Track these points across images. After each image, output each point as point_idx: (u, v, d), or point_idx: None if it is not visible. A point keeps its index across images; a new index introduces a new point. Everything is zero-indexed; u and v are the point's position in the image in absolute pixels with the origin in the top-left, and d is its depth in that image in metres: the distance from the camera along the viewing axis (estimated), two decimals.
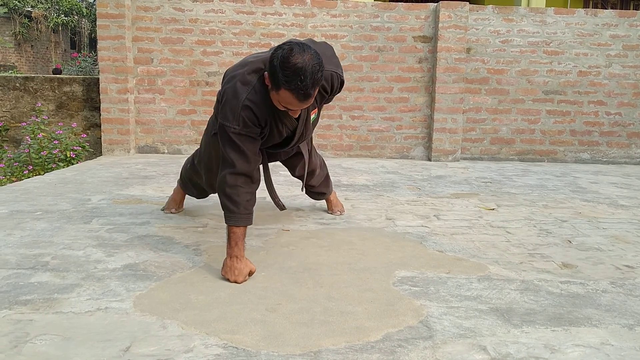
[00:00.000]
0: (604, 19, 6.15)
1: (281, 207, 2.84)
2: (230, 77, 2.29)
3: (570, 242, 2.90)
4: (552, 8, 6.18)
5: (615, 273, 2.41)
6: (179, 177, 3.24)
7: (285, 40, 2.28)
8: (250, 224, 2.30)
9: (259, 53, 2.45)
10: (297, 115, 2.36)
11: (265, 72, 2.13)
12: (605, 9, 9.42)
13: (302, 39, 2.29)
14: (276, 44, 6.00)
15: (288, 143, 2.61)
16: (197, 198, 3.22)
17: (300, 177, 3.05)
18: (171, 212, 3.24)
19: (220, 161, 2.35)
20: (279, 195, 2.94)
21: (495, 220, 3.34)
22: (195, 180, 3.04)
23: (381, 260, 2.50)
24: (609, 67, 6.22)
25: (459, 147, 6.15)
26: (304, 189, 3.15)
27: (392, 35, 6.09)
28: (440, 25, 5.94)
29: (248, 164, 2.27)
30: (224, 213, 2.27)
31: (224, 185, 2.26)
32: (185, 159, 3.23)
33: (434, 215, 3.42)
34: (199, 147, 3.01)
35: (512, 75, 6.19)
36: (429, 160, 6.19)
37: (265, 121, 2.30)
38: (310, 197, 3.35)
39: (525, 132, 6.30)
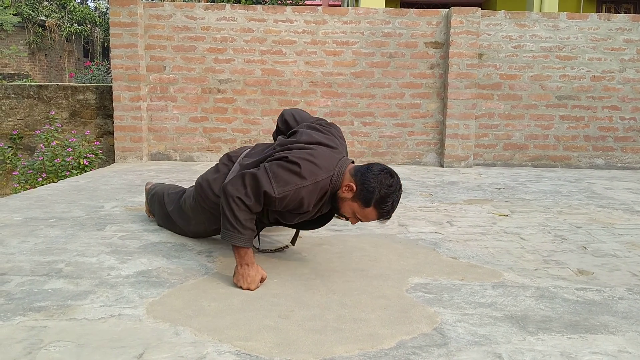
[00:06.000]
0: (618, 23, 6.11)
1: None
2: (302, 157, 2.22)
3: (586, 248, 2.87)
4: (565, 13, 6.14)
5: (631, 280, 2.37)
6: (149, 192, 3.16)
7: (373, 162, 2.34)
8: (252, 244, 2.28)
9: (321, 134, 2.44)
10: (353, 224, 2.40)
11: (350, 184, 2.22)
12: (619, 13, 9.36)
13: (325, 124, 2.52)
14: (287, 51, 6.01)
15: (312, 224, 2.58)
16: (157, 225, 3.15)
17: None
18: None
19: (232, 180, 2.26)
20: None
21: (509, 226, 3.32)
22: (172, 219, 2.93)
23: (394, 267, 2.49)
24: (623, 72, 6.17)
25: (472, 153, 6.12)
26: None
27: (404, 41, 6.08)
28: (452, 30, 5.92)
29: (258, 210, 2.24)
30: (232, 232, 2.19)
31: (234, 205, 2.18)
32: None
33: (447, 222, 3.40)
34: (180, 192, 2.91)
35: (525, 81, 6.16)
36: (442, 166, 6.16)
37: (301, 211, 2.30)
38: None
39: (539, 137, 6.26)
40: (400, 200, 2.29)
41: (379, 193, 2.17)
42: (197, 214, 2.68)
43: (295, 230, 2.72)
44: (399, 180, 2.25)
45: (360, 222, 2.32)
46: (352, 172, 2.26)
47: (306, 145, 2.32)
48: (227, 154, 2.67)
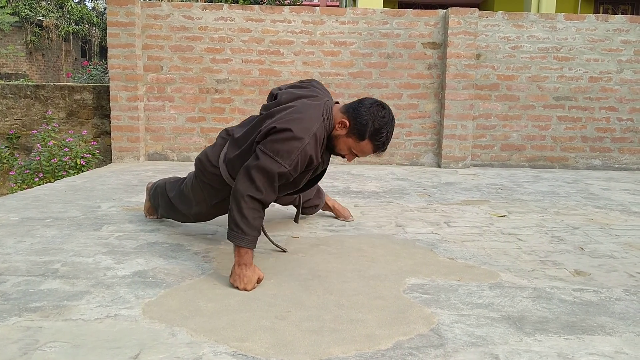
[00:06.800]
0: (615, 24, 6.12)
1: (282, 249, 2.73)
2: (288, 119, 2.25)
3: (583, 249, 2.87)
4: (562, 14, 6.15)
5: (628, 280, 2.38)
6: (151, 189, 3.16)
7: (364, 97, 2.42)
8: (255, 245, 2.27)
9: (301, 89, 2.50)
10: (350, 161, 2.49)
11: (342, 120, 2.29)
12: (616, 14, 9.37)
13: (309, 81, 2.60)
14: (285, 51, 5.99)
15: (312, 183, 2.65)
16: (161, 217, 3.16)
17: (295, 205, 2.98)
18: (153, 218, 3.25)
19: (240, 172, 2.27)
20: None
21: (506, 227, 3.32)
22: (174, 205, 2.92)
23: (391, 268, 2.48)
24: (620, 73, 6.18)
25: (469, 154, 6.12)
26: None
27: (402, 42, 6.09)
28: (449, 31, 5.93)
29: (272, 198, 2.26)
30: (236, 233, 2.18)
31: (243, 204, 2.18)
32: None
33: (444, 222, 3.40)
34: (180, 179, 2.93)
35: (523, 81, 6.16)
36: (439, 166, 6.17)
37: (312, 167, 2.34)
38: (304, 213, 3.26)
39: (536, 138, 6.26)
40: (392, 133, 2.37)
41: (372, 125, 2.24)
42: (197, 192, 2.67)
43: (296, 210, 2.87)
44: (391, 112, 2.32)
45: (357, 157, 2.38)
46: (342, 110, 2.33)
47: (288, 104, 2.36)
48: (225, 129, 2.70)
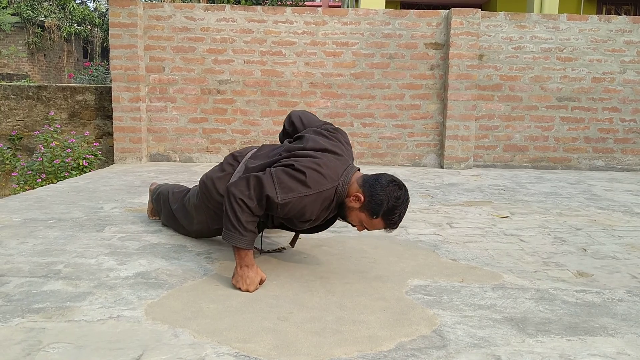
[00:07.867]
0: (618, 25, 6.11)
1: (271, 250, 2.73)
2: (309, 166, 2.22)
3: (586, 250, 2.87)
4: (565, 14, 6.14)
5: (631, 282, 2.37)
6: (154, 192, 3.17)
7: (381, 173, 2.32)
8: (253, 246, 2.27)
9: (327, 140, 2.43)
10: (360, 231, 2.41)
11: (358, 194, 2.23)
12: (619, 14, 9.36)
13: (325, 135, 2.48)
14: (287, 52, 5.98)
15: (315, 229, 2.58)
16: (162, 225, 3.15)
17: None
18: (156, 219, 3.25)
19: (237, 181, 2.26)
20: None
21: (509, 228, 3.31)
22: (175, 218, 2.93)
23: (393, 269, 2.48)
24: (623, 74, 6.17)
25: (472, 155, 6.12)
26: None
27: (404, 43, 6.08)
28: (452, 32, 5.92)
29: (260, 213, 2.24)
30: (232, 233, 2.18)
31: (236, 207, 2.18)
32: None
33: (447, 223, 3.40)
34: (185, 191, 2.91)
35: (525, 82, 6.15)
36: (441, 167, 6.16)
37: (303, 219, 2.29)
38: None
39: (539, 139, 6.26)
40: (405, 213, 2.29)
41: (387, 205, 2.18)
42: (200, 213, 2.68)
43: (295, 232, 2.72)
44: (407, 192, 2.26)
45: (366, 230, 2.33)
46: (360, 183, 2.26)
47: (312, 152, 2.31)
48: (232, 154, 2.67)
